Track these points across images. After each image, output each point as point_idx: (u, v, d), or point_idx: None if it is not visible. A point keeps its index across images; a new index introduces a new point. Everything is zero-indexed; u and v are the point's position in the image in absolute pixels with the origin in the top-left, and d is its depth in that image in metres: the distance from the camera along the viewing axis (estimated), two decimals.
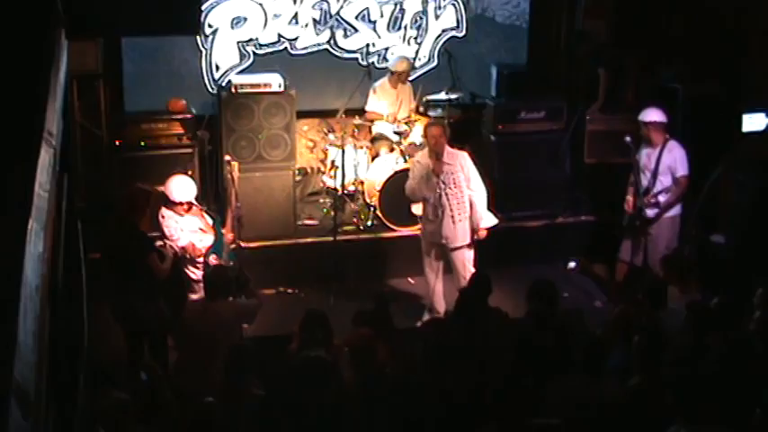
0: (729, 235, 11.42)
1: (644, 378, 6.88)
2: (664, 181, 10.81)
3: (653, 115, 10.86)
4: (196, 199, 9.83)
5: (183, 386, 7.87)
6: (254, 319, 8.85)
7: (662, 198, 10.79)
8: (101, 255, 9.35)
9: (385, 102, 12.48)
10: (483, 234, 10.26)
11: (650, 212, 10.76)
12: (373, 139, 12.48)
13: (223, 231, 9.88)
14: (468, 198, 10.21)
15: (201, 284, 9.30)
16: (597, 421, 6.54)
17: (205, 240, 9.64)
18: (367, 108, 12.48)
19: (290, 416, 6.42)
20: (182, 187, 9.63)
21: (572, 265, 11.57)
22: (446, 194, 10.15)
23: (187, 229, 9.59)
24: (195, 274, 9.64)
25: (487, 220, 10.29)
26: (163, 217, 9.57)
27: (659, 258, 10.00)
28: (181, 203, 9.56)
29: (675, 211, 10.92)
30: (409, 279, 11.67)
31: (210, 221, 9.82)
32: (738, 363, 7.00)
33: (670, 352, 7.21)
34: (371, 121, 12.45)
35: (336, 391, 6.75)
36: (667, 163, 10.76)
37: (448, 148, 10.22)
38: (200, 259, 9.64)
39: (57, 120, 5.16)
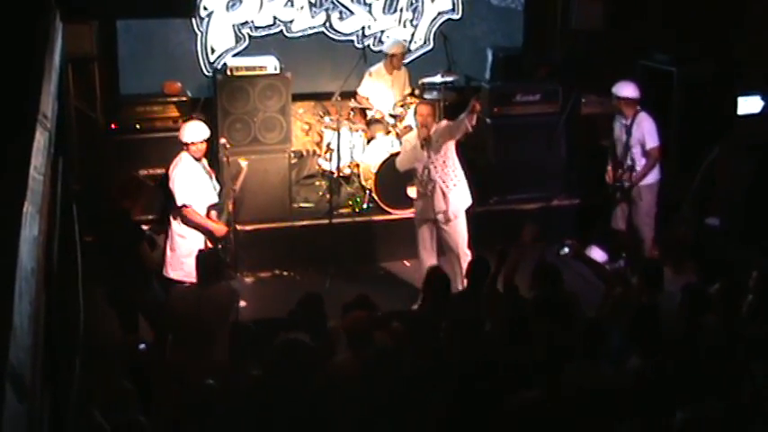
0: (724, 218, 11.45)
1: (643, 360, 6.89)
2: (636, 153, 11.17)
3: (626, 91, 11.19)
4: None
5: (181, 370, 7.87)
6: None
7: (635, 169, 11.19)
8: (94, 239, 9.39)
9: (382, 84, 12.48)
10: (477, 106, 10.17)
11: (628, 183, 11.22)
12: (369, 122, 12.49)
13: (227, 200, 10.08)
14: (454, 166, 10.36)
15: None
16: (599, 405, 6.54)
17: (212, 197, 9.92)
18: (359, 91, 12.49)
19: (279, 399, 6.41)
20: (194, 128, 9.96)
21: (565, 250, 11.58)
22: (435, 167, 10.23)
23: (201, 184, 9.83)
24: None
25: None
26: (190, 171, 9.82)
27: (642, 225, 11.07)
28: (194, 144, 9.83)
29: (652, 178, 11.27)
30: (405, 262, 11.68)
31: (217, 186, 10.07)
32: (729, 346, 7.03)
33: (666, 334, 7.21)
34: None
35: (321, 375, 6.73)
36: (637, 136, 11.12)
37: (435, 125, 10.34)
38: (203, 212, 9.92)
39: (51, 102, 5.15)
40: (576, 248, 9.21)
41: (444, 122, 10.43)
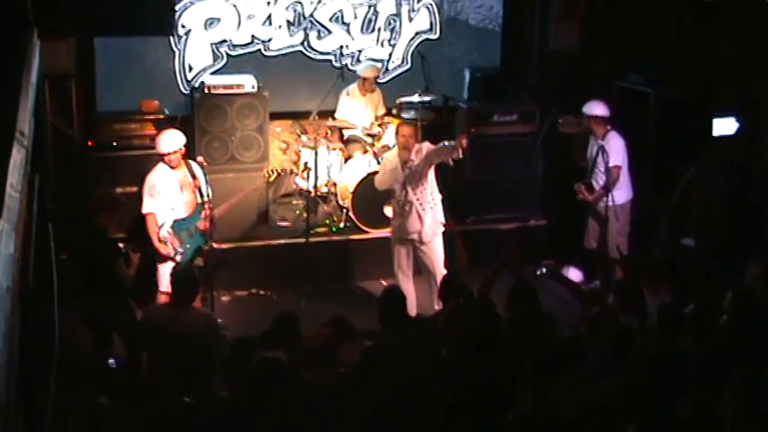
0: (700, 238, 11.50)
1: (616, 378, 6.91)
2: (603, 172, 11.19)
3: (595, 109, 11.30)
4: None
5: (155, 388, 7.82)
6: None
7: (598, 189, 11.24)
8: (69, 255, 9.36)
9: (357, 104, 12.49)
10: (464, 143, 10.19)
11: (591, 201, 11.28)
12: (346, 142, 12.50)
13: (201, 217, 10.01)
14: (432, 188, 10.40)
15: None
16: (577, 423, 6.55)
17: (176, 212, 9.89)
18: (337, 115, 12.48)
19: (252, 417, 6.40)
20: (167, 139, 10.03)
21: (542, 270, 11.61)
22: (412, 189, 10.26)
23: (168, 196, 9.89)
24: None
25: None
26: (160, 178, 9.91)
27: (613, 245, 10.86)
28: (168, 154, 9.90)
29: (623, 198, 11.28)
30: (381, 281, 11.66)
31: (199, 200, 10.04)
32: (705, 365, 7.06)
33: (640, 353, 7.23)
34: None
35: (295, 393, 6.71)
36: (605, 153, 11.09)
37: (416, 146, 10.36)
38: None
39: (28, 120, 5.14)
40: (552, 268, 9.23)
41: (426, 145, 10.42)
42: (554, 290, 10.22)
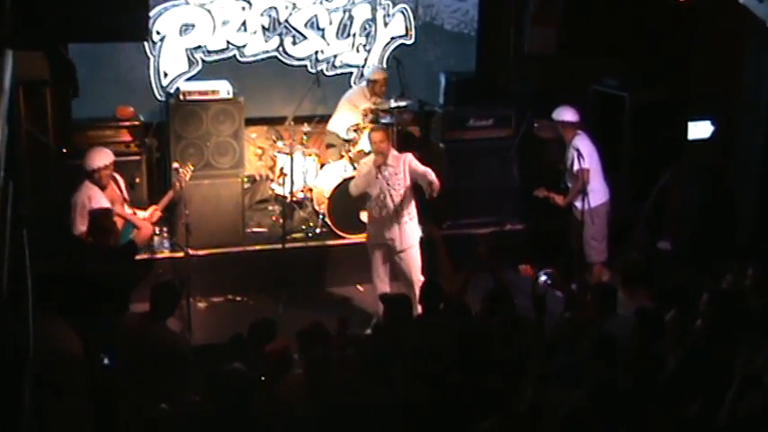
0: (675, 241, 11.53)
1: (593, 383, 6.91)
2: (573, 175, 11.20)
3: (564, 115, 11.32)
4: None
5: (132, 396, 7.78)
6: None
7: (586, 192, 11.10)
8: (72, 275, 9.17)
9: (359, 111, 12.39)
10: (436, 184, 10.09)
11: (578, 204, 11.13)
12: (327, 146, 12.52)
13: (132, 231, 9.87)
14: (414, 196, 10.37)
15: None
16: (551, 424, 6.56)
17: None
18: (333, 126, 12.45)
19: (218, 426, 6.39)
20: (99, 154, 9.95)
21: (542, 278, 11.46)
22: (390, 195, 10.22)
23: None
24: None
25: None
26: (90, 198, 9.69)
27: (588, 249, 11.21)
28: (99, 170, 9.76)
29: (596, 201, 11.17)
30: (358, 286, 11.66)
31: (128, 212, 9.99)
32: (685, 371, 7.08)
33: (618, 357, 7.24)
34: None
35: (258, 403, 6.69)
36: (572, 157, 11.09)
37: (393, 152, 10.32)
38: None
39: (1, 126, 5.11)
40: (554, 277, 9.17)
41: (409, 158, 10.30)
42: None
